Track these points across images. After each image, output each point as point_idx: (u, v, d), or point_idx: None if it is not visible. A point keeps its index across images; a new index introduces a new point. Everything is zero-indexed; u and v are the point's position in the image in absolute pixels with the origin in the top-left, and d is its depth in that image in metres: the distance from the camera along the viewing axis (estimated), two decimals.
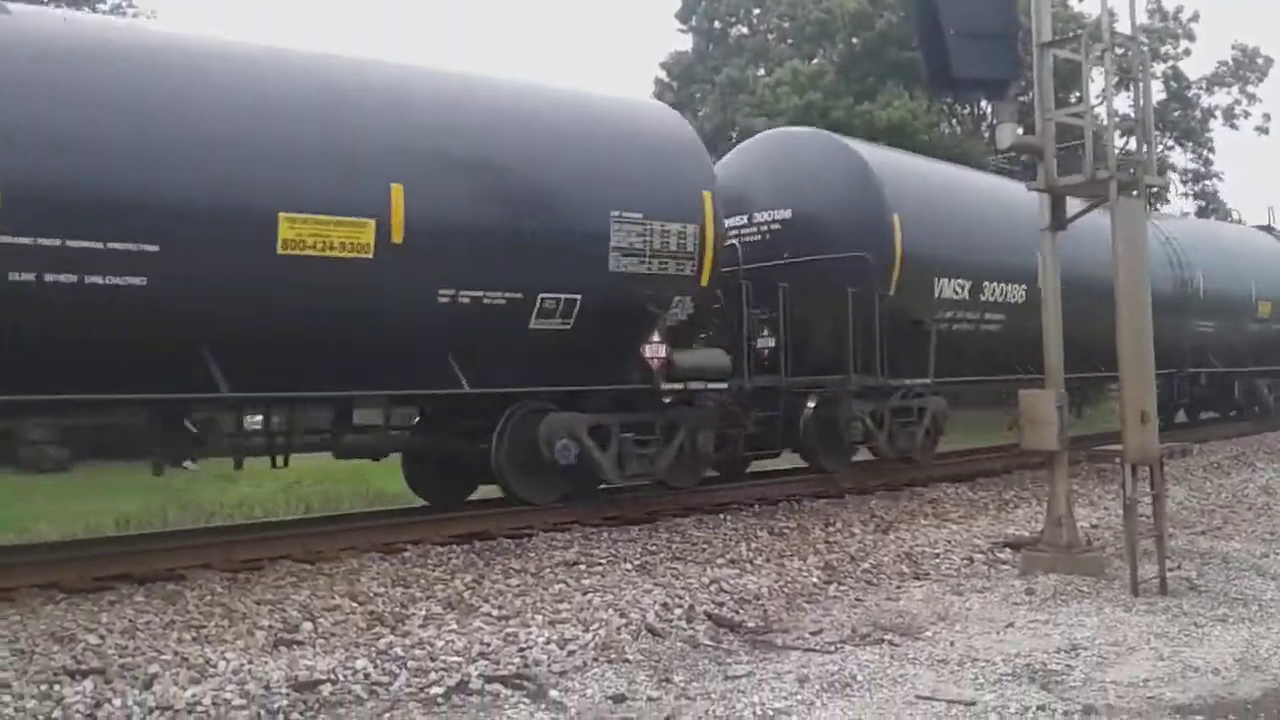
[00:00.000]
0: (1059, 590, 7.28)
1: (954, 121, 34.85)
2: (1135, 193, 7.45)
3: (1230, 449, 16.87)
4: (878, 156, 12.59)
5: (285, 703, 5.05)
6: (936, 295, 12.20)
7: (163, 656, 5.56)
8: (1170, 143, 40.00)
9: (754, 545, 8.76)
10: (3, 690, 5.00)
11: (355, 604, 6.67)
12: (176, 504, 13.48)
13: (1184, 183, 41.92)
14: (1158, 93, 37.38)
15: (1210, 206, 41.08)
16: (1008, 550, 8.61)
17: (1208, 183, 42.40)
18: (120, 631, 5.96)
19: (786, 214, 11.94)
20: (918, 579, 7.87)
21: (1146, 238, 7.41)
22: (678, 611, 6.73)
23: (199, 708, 4.94)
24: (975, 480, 12.51)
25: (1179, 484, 12.79)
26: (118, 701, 4.96)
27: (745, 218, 12.04)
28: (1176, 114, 39.46)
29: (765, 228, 12.11)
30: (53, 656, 5.49)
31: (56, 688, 5.07)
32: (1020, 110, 12.26)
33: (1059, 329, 7.88)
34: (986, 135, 30.81)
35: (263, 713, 4.94)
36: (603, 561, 8.01)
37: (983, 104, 30.61)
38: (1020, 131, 8.18)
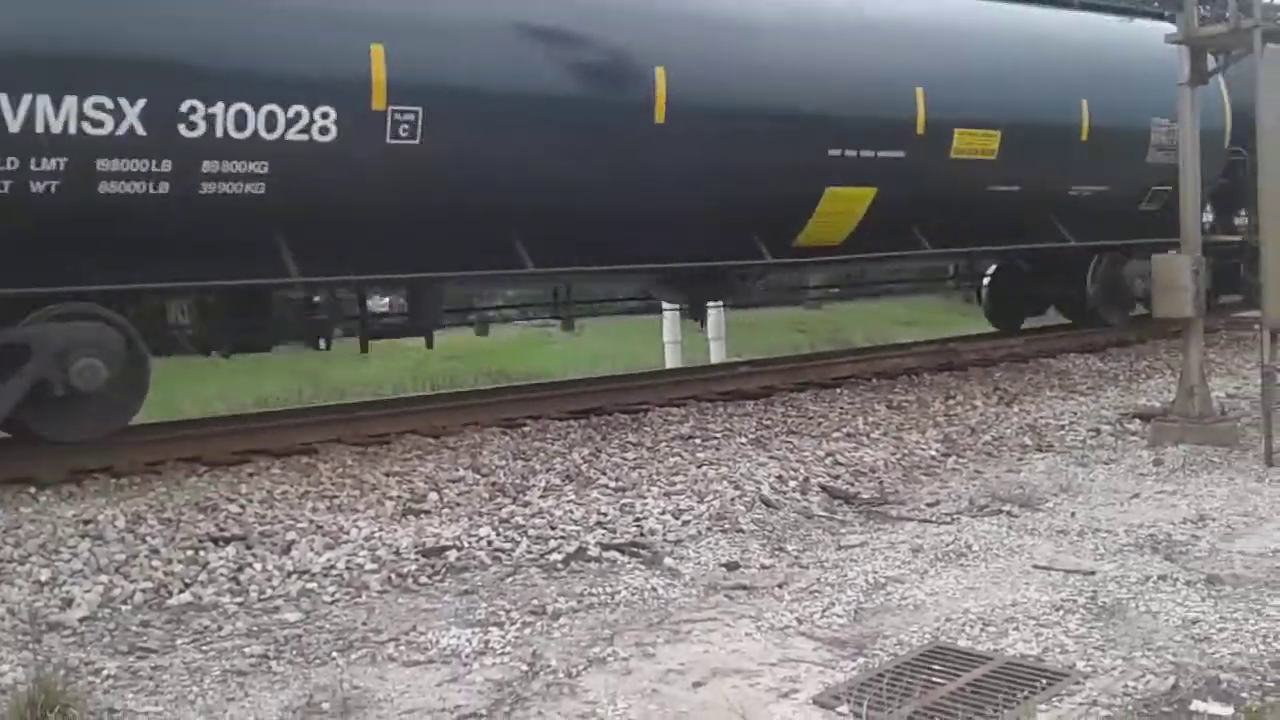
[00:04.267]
0: (1188, 461, 7.08)
1: None
2: None
3: None
4: None
5: (414, 567, 5.29)
6: None
7: (299, 524, 5.85)
8: None
9: (871, 419, 8.70)
10: (153, 555, 5.35)
11: (478, 476, 6.89)
12: (311, 383, 14.06)
13: None
14: None
15: None
16: (1137, 421, 8.37)
17: None
18: (259, 501, 6.28)
19: None
20: (1040, 451, 7.73)
21: None
22: (792, 484, 6.77)
23: (333, 571, 5.22)
24: (1106, 350, 12.12)
25: None
26: (259, 566, 5.27)
27: None
28: None
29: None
30: (198, 525, 5.83)
31: (202, 553, 5.41)
32: None
33: (1196, 190, 7.49)
34: None
35: (393, 576, 5.18)
36: (718, 435, 8.07)
37: None
38: None
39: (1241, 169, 12.55)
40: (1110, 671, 3.82)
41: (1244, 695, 3.59)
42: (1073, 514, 5.97)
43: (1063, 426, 8.38)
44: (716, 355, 14.64)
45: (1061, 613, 4.42)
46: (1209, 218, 12.84)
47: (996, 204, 10.81)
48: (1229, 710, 3.51)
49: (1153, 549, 5.30)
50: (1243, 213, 13.22)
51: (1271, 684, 3.69)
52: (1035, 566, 5.07)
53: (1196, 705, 3.55)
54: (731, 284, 10.30)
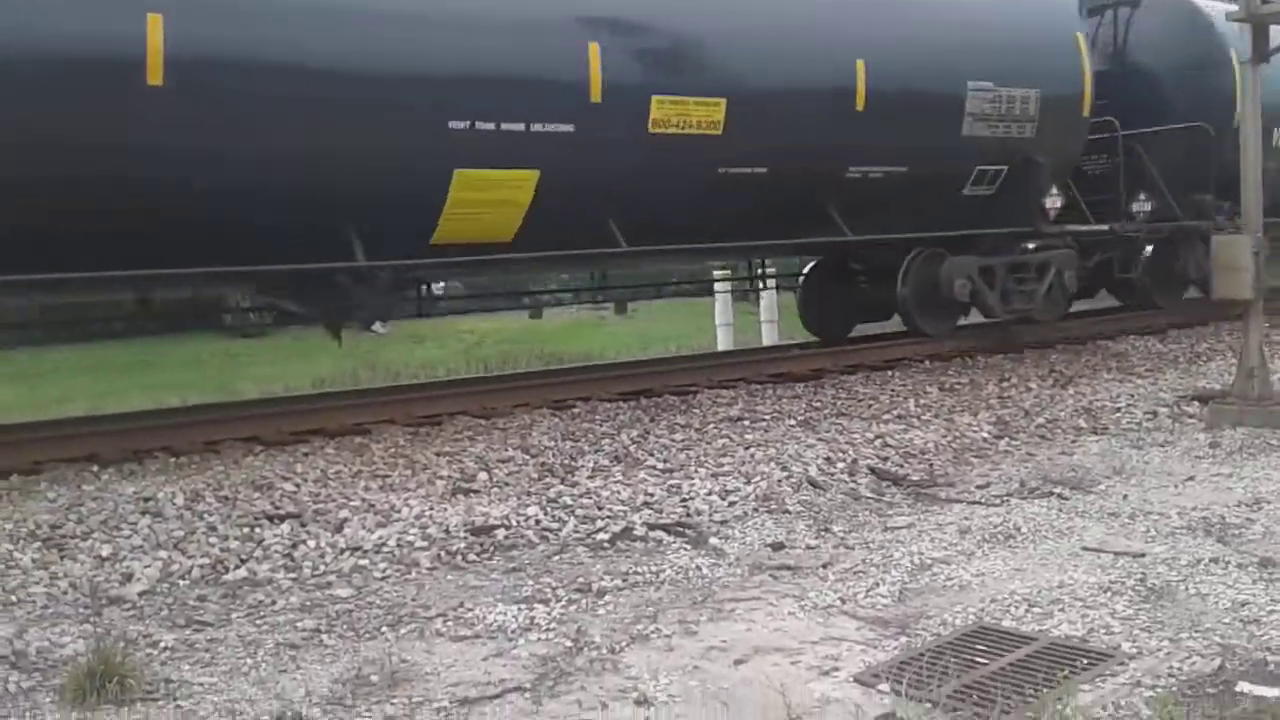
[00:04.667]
0: (1246, 444, 6.95)
1: None
2: None
3: None
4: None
5: (463, 545, 5.37)
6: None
7: (352, 503, 5.97)
8: None
9: (922, 401, 8.65)
10: (210, 532, 5.48)
11: (527, 456, 6.96)
12: (367, 365, 14.28)
13: None
14: None
15: None
16: (1195, 404, 8.24)
17: None
18: (313, 480, 6.40)
19: None
20: (1095, 434, 7.64)
21: None
22: (840, 465, 6.76)
23: (385, 548, 5.31)
24: (1166, 332, 11.93)
25: None
26: (312, 543, 5.38)
27: None
28: None
29: None
30: (253, 502, 5.96)
31: (257, 530, 5.53)
32: None
33: (1258, 170, 7.33)
34: None
35: (443, 553, 5.27)
36: (766, 417, 8.07)
37: None
38: None
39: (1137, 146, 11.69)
40: (1156, 653, 3.78)
41: None
42: (1125, 496, 5.91)
43: (1118, 409, 8.26)
44: (769, 338, 14.62)
45: (1109, 594, 4.38)
46: (1056, 203, 10.85)
47: (727, 189, 8.73)
48: (1275, 692, 3.46)
49: (1205, 532, 5.22)
50: (1143, 197, 11.75)
51: None
52: (1084, 548, 5.02)
53: (1242, 686, 3.51)
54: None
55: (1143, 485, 6.16)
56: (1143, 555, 4.86)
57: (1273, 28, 7.43)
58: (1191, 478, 6.27)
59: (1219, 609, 4.19)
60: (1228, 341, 11.09)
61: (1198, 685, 3.53)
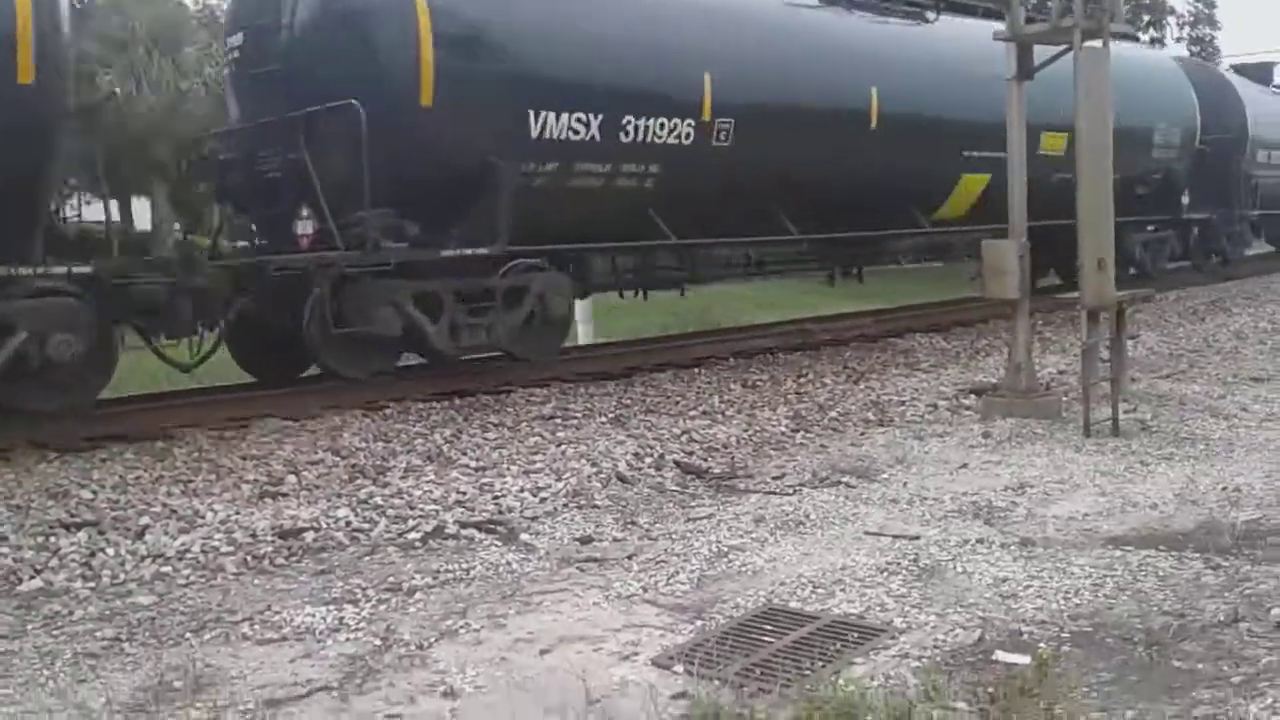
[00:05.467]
0: (1015, 433, 7.57)
1: None
2: (1099, 40, 7.44)
3: (1208, 294, 17.08)
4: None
5: (270, 549, 5.36)
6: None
7: (153, 509, 5.86)
8: None
9: (726, 397, 9.03)
10: (2, 543, 5.30)
11: (338, 458, 6.96)
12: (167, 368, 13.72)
13: (1180, 26, 41.06)
14: None
15: (1204, 52, 40.31)
16: (972, 396, 8.88)
17: (1207, 29, 41.53)
18: (112, 487, 6.24)
19: None
20: (882, 426, 8.15)
21: (1109, 86, 7.43)
22: (648, 460, 7.03)
23: (189, 554, 5.25)
24: (950, 330, 12.74)
25: (1152, 330, 13.06)
26: (111, 551, 5.27)
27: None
28: None
29: None
30: (48, 511, 5.78)
31: (53, 539, 5.38)
32: None
33: (1023, 181, 7.98)
34: None
35: (249, 558, 5.25)
36: (578, 415, 8.28)
37: None
38: None
39: None
40: (924, 627, 4.15)
41: (1041, 645, 3.95)
42: (905, 484, 6.37)
43: (904, 402, 8.83)
44: (584, 337, 14.85)
45: (886, 575, 4.76)
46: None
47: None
48: (1026, 659, 3.86)
49: (974, 514, 5.70)
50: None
51: (1067, 635, 4.06)
52: (866, 533, 5.42)
53: (998, 655, 3.90)
54: None
55: (921, 473, 6.65)
56: (917, 538, 5.28)
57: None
58: (965, 465, 6.80)
59: (982, 585, 4.62)
60: (1005, 338, 11.92)
61: (959, 655, 3.90)
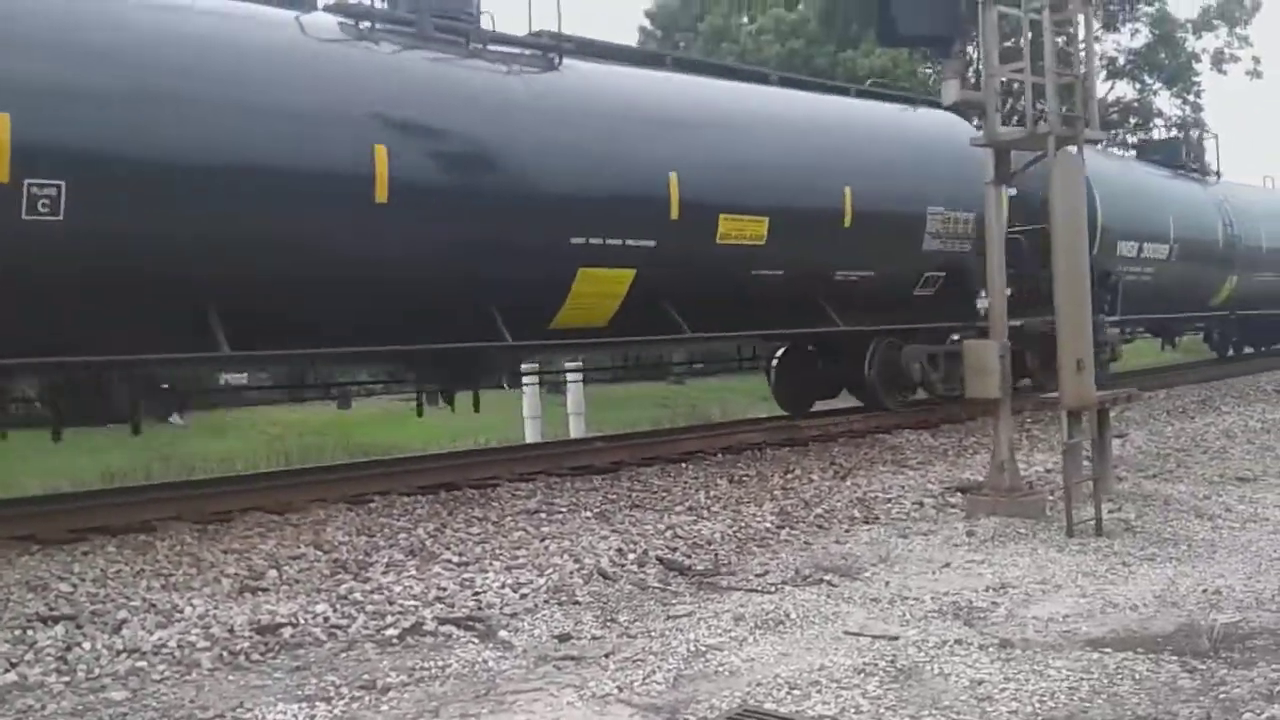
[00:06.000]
0: (998, 532, 7.58)
1: (935, 67, 34.74)
2: (1074, 147, 7.65)
3: (1198, 393, 17.16)
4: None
5: (247, 644, 5.33)
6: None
7: (132, 603, 5.84)
8: (1157, 87, 39.86)
9: (712, 493, 9.05)
10: None
11: (320, 552, 6.95)
12: (160, 458, 13.79)
13: (1167, 129, 41.85)
14: (1143, 35, 37.16)
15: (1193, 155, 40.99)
16: (958, 495, 8.90)
17: (1194, 131, 42.31)
18: (92, 580, 6.23)
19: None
20: (867, 523, 8.15)
21: (1084, 190, 7.61)
22: (631, 556, 7.02)
23: (165, 649, 5.23)
24: (939, 427, 12.79)
25: (1140, 428, 13.11)
26: (87, 645, 5.24)
27: None
28: (1163, 57, 39.27)
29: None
30: (26, 604, 5.77)
31: (30, 632, 5.36)
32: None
33: (1003, 279, 8.12)
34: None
35: (225, 653, 5.22)
36: (563, 510, 8.29)
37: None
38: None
39: None
40: None
41: None
42: (887, 583, 6.36)
43: (890, 499, 8.85)
44: (576, 430, 14.91)
45: (863, 675, 4.74)
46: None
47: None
48: None
49: (955, 615, 5.69)
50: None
51: None
52: (846, 632, 5.41)
53: None
54: None
55: (904, 572, 6.64)
56: (897, 638, 5.27)
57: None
58: (948, 564, 6.80)
59: (958, 687, 4.60)
60: (993, 436, 11.98)
61: None
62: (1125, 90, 38.33)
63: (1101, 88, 35.57)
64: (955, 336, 13.05)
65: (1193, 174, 20.52)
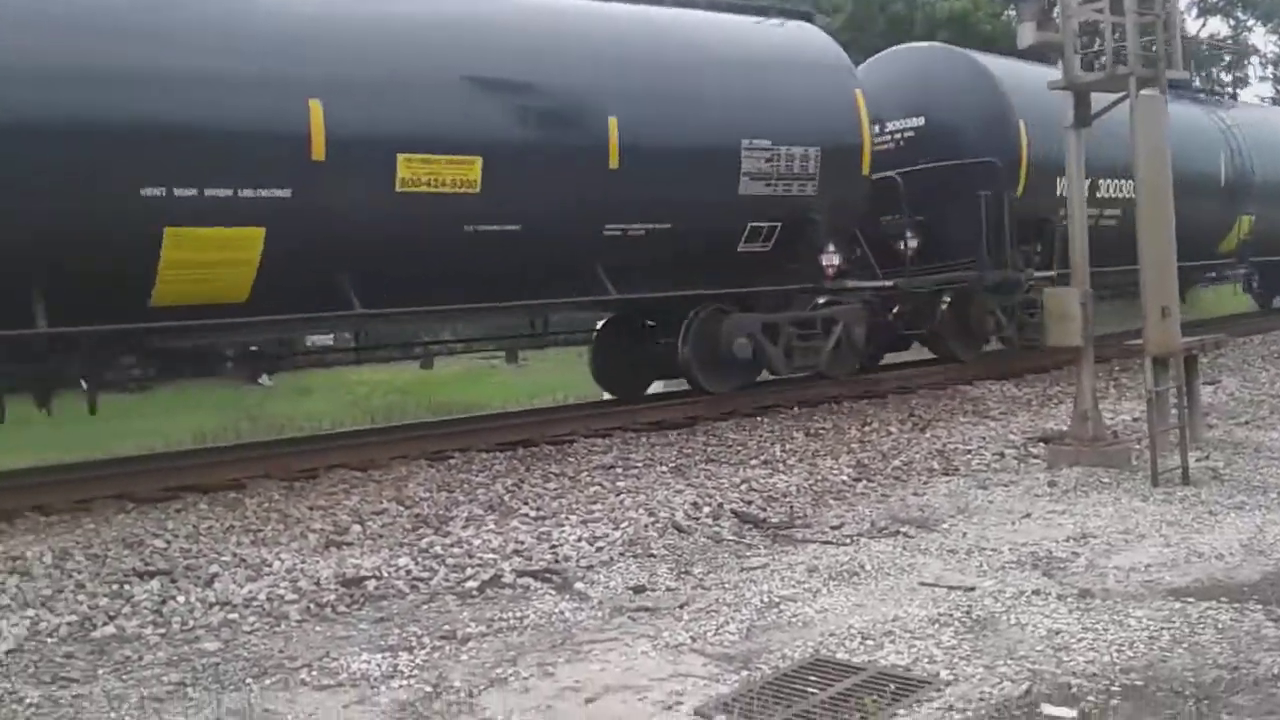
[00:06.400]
0: (1081, 482, 7.46)
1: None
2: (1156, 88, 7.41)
3: None
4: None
5: (333, 597, 5.51)
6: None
7: (222, 558, 6.05)
8: (1251, 22, 38.30)
9: (789, 446, 9.03)
10: (79, 590, 5.52)
11: (402, 507, 7.12)
12: (249, 419, 14.19)
13: (1264, 65, 40.22)
14: None
15: None
16: (1041, 445, 8.76)
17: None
18: (185, 536, 6.47)
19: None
20: (946, 475, 8.08)
21: (1167, 132, 7.37)
22: (706, 510, 7.06)
23: (255, 602, 5.43)
24: (1022, 377, 12.58)
25: (1233, 374, 12.76)
26: (181, 598, 5.46)
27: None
28: None
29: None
30: (123, 560, 6.01)
31: (127, 587, 5.59)
32: None
33: (1084, 227, 7.92)
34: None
35: (312, 605, 5.40)
36: (639, 465, 8.36)
37: None
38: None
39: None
40: (970, 679, 4.12)
41: (1090, 699, 3.91)
42: (965, 534, 6.32)
43: (970, 450, 8.75)
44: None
45: (937, 626, 4.73)
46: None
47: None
48: (1073, 713, 3.83)
49: (1033, 565, 5.64)
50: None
51: (1118, 688, 4.00)
52: (921, 584, 5.39)
53: (1045, 709, 3.86)
54: None
55: (983, 523, 6.58)
56: (973, 589, 5.24)
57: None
58: (1028, 515, 6.72)
59: (1034, 637, 4.57)
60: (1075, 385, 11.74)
61: (1005, 709, 3.87)
62: (1219, 27, 36.88)
63: (1193, 25, 34.36)
64: (820, 300, 11.11)
65: (1198, 95, 18.17)
